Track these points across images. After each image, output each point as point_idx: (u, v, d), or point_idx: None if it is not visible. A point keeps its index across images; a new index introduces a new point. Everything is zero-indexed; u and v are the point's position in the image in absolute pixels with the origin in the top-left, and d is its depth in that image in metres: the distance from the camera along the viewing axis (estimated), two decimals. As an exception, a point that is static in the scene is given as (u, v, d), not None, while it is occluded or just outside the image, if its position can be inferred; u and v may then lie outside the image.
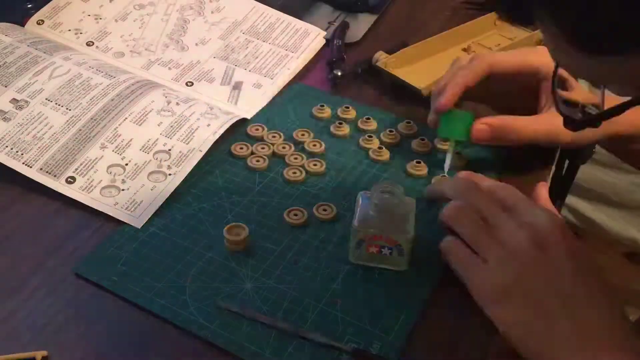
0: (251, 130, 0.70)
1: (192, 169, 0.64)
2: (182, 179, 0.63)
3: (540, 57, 0.64)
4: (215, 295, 0.53)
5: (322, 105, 0.73)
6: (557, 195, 1.01)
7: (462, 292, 0.54)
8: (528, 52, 0.68)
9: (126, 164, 0.63)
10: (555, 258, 0.47)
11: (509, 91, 0.67)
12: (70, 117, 0.66)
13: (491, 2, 0.84)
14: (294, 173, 0.65)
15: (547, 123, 0.61)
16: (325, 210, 0.60)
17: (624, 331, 0.46)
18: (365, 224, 0.54)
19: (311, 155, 0.68)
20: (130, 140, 0.65)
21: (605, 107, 0.50)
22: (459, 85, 0.63)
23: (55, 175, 0.62)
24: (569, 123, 0.51)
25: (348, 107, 0.73)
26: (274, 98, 0.76)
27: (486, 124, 0.62)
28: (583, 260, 0.48)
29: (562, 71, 0.53)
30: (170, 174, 0.63)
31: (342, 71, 0.78)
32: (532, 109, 0.65)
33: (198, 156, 0.65)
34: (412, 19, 0.94)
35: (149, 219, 0.59)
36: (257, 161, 0.66)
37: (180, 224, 0.59)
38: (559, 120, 0.54)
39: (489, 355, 0.51)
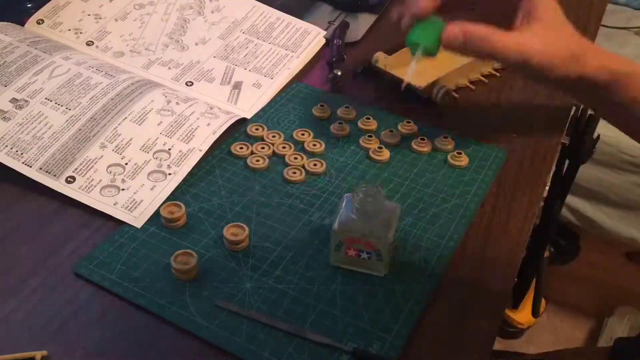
0: (251, 129, 0.70)
1: (192, 169, 0.64)
2: (182, 179, 0.63)
3: None
4: (215, 295, 0.53)
5: (322, 105, 0.73)
6: (557, 195, 1.02)
7: (462, 292, 0.54)
8: None
9: (126, 164, 0.63)
10: None
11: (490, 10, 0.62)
12: (70, 117, 0.66)
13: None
14: (294, 173, 0.65)
15: (522, 41, 0.57)
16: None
17: None
18: (345, 226, 0.53)
19: (311, 155, 0.68)
20: (130, 139, 0.65)
21: None
22: None
23: (55, 175, 0.62)
24: None
25: (348, 107, 0.73)
26: (274, 98, 0.76)
27: (460, 29, 0.57)
28: None
29: None
30: (170, 174, 0.63)
31: (342, 71, 0.78)
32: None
33: (198, 156, 0.65)
34: (412, 18, 0.94)
35: (149, 218, 0.59)
36: (257, 161, 0.66)
37: (180, 223, 0.59)
38: (535, 40, 0.55)
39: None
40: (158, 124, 0.67)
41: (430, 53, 0.58)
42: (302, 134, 0.70)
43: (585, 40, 0.58)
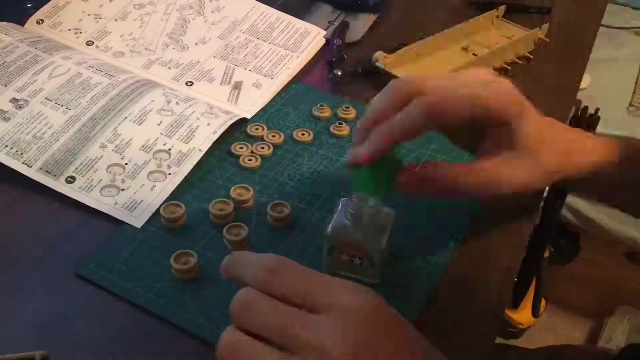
0: (251, 129, 0.70)
1: (192, 169, 0.64)
2: (182, 179, 0.63)
3: (497, 97, 0.51)
4: (215, 295, 0.53)
5: (322, 105, 0.73)
6: (557, 195, 1.02)
7: (462, 292, 0.54)
8: (480, 87, 0.51)
9: (126, 164, 0.63)
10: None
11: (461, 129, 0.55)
12: (70, 117, 0.66)
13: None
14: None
15: (486, 172, 0.52)
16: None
17: None
18: (338, 231, 0.52)
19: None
20: (130, 139, 0.65)
21: None
22: (389, 140, 0.49)
23: (55, 175, 0.62)
24: None
25: (348, 107, 0.73)
26: (274, 98, 0.76)
27: (412, 179, 0.52)
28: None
29: None
30: (170, 174, 0.63)
31: (342, 71, 0.78)
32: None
33: (198, 156, 0.65)
34: (412, 19, 0.94)
35: (149, 218, 0.59)
36: (250, 160, 0.66)
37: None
38: (501, 168, 0.51)
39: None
40: (158, 124, 0.67)
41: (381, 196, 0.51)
42: (302, 134, 0.70)
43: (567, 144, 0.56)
